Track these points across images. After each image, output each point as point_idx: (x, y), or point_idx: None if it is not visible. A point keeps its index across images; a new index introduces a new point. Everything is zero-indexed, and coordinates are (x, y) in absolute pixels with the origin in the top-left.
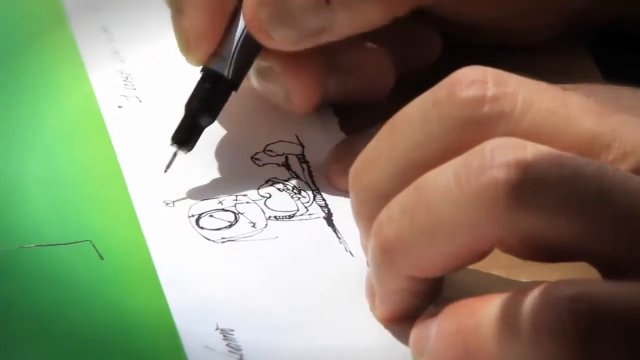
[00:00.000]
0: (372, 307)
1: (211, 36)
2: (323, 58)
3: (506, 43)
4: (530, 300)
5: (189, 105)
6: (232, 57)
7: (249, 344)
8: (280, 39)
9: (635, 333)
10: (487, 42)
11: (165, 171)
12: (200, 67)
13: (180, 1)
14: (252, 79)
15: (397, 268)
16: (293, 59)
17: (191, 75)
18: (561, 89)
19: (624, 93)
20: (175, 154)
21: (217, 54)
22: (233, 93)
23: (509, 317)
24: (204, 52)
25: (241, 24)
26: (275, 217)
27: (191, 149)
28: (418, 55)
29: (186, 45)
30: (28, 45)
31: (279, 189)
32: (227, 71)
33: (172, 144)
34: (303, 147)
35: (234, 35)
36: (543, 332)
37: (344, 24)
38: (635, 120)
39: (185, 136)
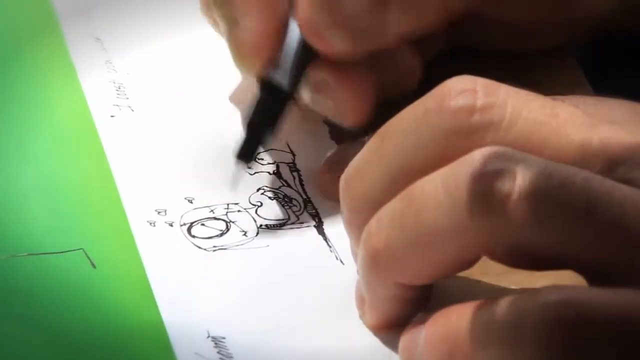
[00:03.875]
0: (362, 315)
1: (268, 46)
2: (373, 70)
3: (532, 48)
4: (517, 306)
5: (252, 121)
6: (290, 66)
7: (240, 351)
8: (335, 42)
9: (622, 338)
10: (517, 47)
11: (233, 189)
12: (255, 79)
13: (234, 12)
14: (302, 92)
15: (386, 276)
16: (345, 71)
17: (183, 85)
18: (551, 99)
19: (613, 104)
20: (240, 170)
21: (272, 64)
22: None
23: (495, 324)
24: (261, 63)
25: (295, 31)
26: (266, 225)
27: (252, 162)
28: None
29: (242, 57)
30: (21, 55)
31: (270, 198)
32: (286, 81)
33: (237, 162)
34: (294, 155)
35: (288, 44)
36: (529, 338)
37: (400, 25)
38: (623, 131)
39: (250, 152)
